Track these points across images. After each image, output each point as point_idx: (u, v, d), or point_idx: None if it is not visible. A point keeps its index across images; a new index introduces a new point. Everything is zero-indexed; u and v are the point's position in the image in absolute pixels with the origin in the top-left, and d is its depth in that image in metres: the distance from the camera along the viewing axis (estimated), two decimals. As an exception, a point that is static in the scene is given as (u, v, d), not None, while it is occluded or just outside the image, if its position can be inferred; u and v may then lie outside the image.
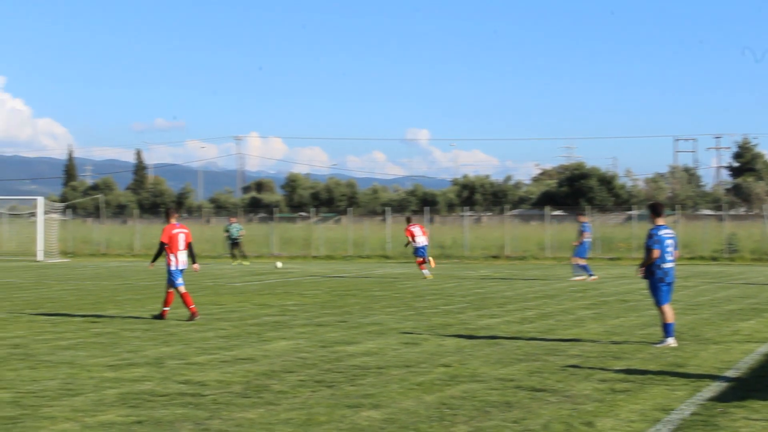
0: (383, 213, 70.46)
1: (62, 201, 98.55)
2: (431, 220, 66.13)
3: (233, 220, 50.54)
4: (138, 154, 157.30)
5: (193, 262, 21.27)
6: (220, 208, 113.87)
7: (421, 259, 36.86)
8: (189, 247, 21.07)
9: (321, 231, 62.39)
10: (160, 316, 20.76)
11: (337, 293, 28.27)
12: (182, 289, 20.77)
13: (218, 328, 18.75)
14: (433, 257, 41.60)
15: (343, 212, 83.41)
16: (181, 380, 12.64)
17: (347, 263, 51.59)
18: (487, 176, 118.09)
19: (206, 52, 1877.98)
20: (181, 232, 20.94)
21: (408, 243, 37.20)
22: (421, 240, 36.76)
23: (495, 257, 54.34)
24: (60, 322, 20.04)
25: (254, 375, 13.08)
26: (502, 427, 10.07)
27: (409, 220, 38.40)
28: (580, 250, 34.30)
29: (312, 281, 34.54)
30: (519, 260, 52.33)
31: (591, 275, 34.03)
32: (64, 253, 56.77)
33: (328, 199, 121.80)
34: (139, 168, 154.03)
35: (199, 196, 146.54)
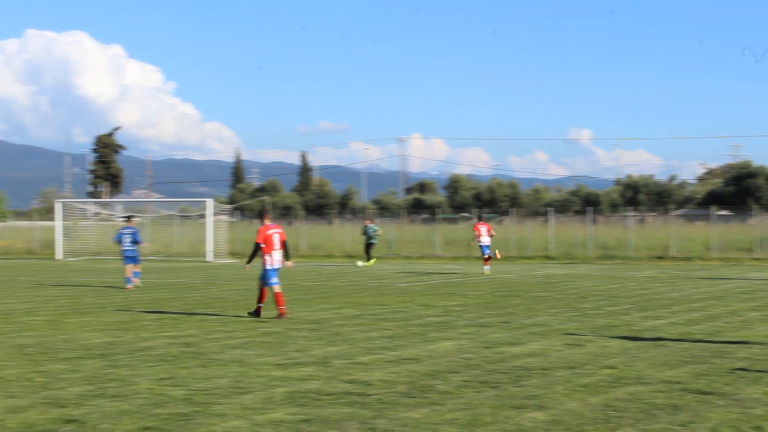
0: (546, 213, 69.91)
1: (230, 203, 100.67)
2: (594, 221, 65.31)
3: (369, 221, 50.58)
4: (303, 156, 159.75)
5: (287, 259, 21.68)
6: (383, 209, 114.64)
7: (486, 257, 40.13)
8: (284, 246, 21.51)
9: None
10: (256, 313, 21.30)
11: (500, 294, 28.23)
12: (276, 288, 21.26)
13: (383, 329, 18.94)
14: (597, 257, 42.06)
15: (506, 213, 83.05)
16: (347, 379, 12.82)
17: (510, 264, 51.38)
18: (651, 176, 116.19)
19: (370, 57, 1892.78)
20: (275, 232, 21.42)
21: (474, 239, 40.78)
22: (486, 240, 40.17)
23: (659, 258, 53.39)
24: (229, 321, 20.53)
25: (419, 375, 13.19)
26: (669, 431, 9.95)
27: (480, 218, 42.77)
28: None
29: (475, 282, 34.55)
30: (684, 261, 51.30)
31: None
32: (233, 254, 57.96)
33: (491, 200, 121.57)
34: (304, 170, 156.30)
35: (362, 198, 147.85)
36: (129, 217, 35.63)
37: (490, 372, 13.43)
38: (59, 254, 59.05)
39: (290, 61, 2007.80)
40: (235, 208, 77.58)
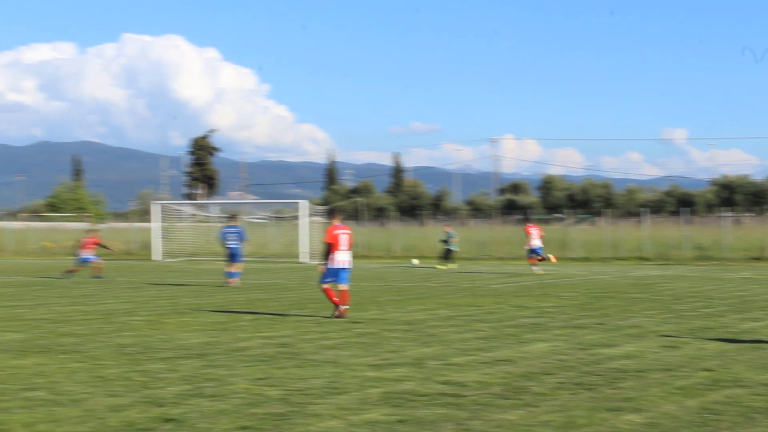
0: (639, 214, 69.20)
1: (324, 204, 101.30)
2: (689, 222, 64.49)
3: (448, 228, 50.31)
4: (396, 157, 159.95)
5: None
6: (476, 210, 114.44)
7: (535, 258, 41.98)
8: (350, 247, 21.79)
9: (577, 232, 61.89)
10: (339, 314, 21.35)
11: (595, 295, 28.04)
12: (326, 286, 21.48)
13: (477, 330, 18.94)
14: (692, 258, 42.08)
15: (599, 213, 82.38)
16: (441, 380, 12.85)
17: (604, 265, 51.00)
18: (747, 176, 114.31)
19: (460, 55, 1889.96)
20: (343, 233, 21.60)
21: (526, 240, 42.32)
22: (537, 242, 41.90)
23: (756, 259, 52.56)
24: (324, 322, 20.66)
25: (513, 376, 13.17)
26: (768, 434, 9.84)
27: (528, 220, 44.47)
28: None
29: (569, 283, 34.36)
30: (783, 262, 50.46)
31: None
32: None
33: (584, 201, 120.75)
34: (397, 171, 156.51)
35: (455, 199, 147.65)
36: (233, 216, 36.23)
37: (585, 374, 13.37)
38: (156, 255, 59.91)
39: (383, 63, 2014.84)
40: (329, 209, 78.01)
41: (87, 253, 39.43)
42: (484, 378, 13.03)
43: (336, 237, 21.53)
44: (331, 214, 22.29)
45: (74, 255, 40.98)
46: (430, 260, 54.35)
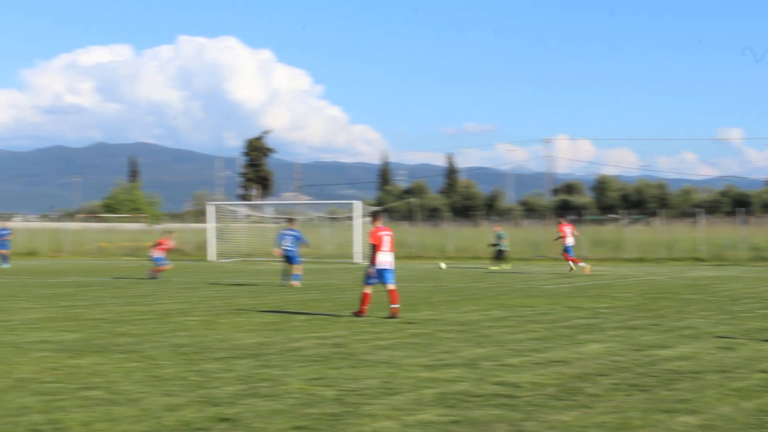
0: (695, 215, 68.64)
1: (377, 204, 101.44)
2: (745, 222, 63.89)
3: (498, 228, 50.18)
4: (449, 158, 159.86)
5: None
6: (529, 210, 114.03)
7: (573, 258, 42.60)
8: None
9: (631, 233, 61.52)
10: (392, 315, 21.55)
11: (649, 296, 27.88)
12: (367, 289, 21.90)
13: (531, 331, 18.90)
14: (748, 259, 42.03)
15: (654, 214, 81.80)
16: (495, 381, 12.84)
17: (658, 266, 50.67)
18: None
19: (514, 55, 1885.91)
20: (386, 234, 21.98)
21: (557, 239, 43.22)
22: (571, 240, 42.69)
23: (815, 259, 51.99)
24: (378, 322, 20.70)
25: (567, 377, 13.14)
26: (826, 437, 9.74)
27: (562, 220, 45.15)
28: None
29: (623, 284, 34.18)
30: (843, 262, 49.85)
31: None
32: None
33: (638, 201, 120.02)
34: (451, 172, 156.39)
35: (508, 199, 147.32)
36: (291, 219, 36.57)
37: (639, 375, 13.30)
38: (211, 256, 60.26)
39: (436, 63, 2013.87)
40: (383, 210, 78.09)
41: (158, 254, 39.66)
42: (538, 379, 13.01)
43: (380, 238, 21.87)
44: (374, 216, 22.71)
45: (149, 256, 41.22)
46: (483, 261, 54.28)
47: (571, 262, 42.19)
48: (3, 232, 53.24)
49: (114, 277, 40.22)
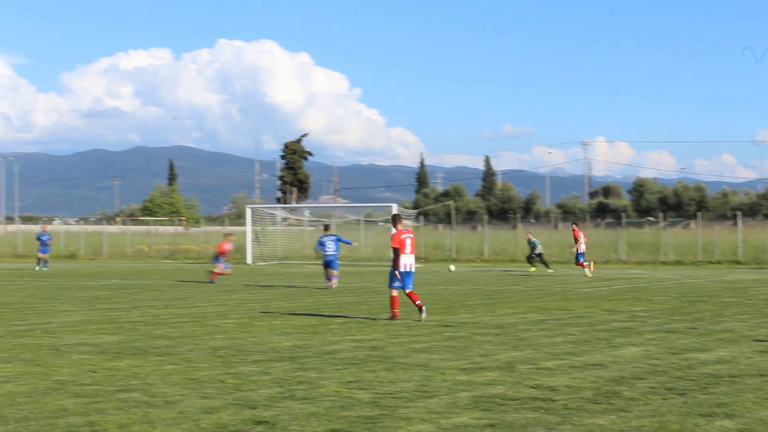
0: (734, 217, 68.21)
1: (415, 207, 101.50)
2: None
3: (530, 235, 50.09)
4: (487, 160, 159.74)
5: None
6: (567, 213, 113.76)
7: (582, 263, 42.22)
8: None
9: (669, 236, 61.17)
10: (420, 309, 21.90)
11: (687, 299, 27.73)
12: (394, 292, 22.02)
13: (567, 334, 18.84)
14: None
15: (692, 216, 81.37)
16: (531, 384, 12.81)
17: (696, 269, 50.39)
18: None
19: (550, 57, 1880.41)
20: (408, 237, 22.28)
21: (575, 246, 42.53)
22: (583, 247, 42.60)
23: None
24: (414, 325, 20.70)
25: (604, 381, 13.08)
26: None
27: (576, 224, 45.03)
28: None
29: (661, 287, 34.02)
30: None
31: None
32: (417, 258, 58.31)
33: (676, 204, 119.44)
34: (488, 174, 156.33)
35: (546, 202, 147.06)
36: (327, 226, 36.94)
37: (677, 379, 13.23)
38: (249, 259, 60.44)
39: (473, 65, 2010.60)
40: (419, 213, 78.08)
41: (221, 257, 39.62)
42: (574, 382, 12.97)
43: (403, 241, 22.11)
44: (394, 220, 22.87)
45: (212, 260, 41.12)
46: (519, 264, 54.18)
47: (586, 270, 41.80)
48: (44, 237, 53.76)
49: (152, 279, 40.40)
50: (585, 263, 42.01)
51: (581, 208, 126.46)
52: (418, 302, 21.89)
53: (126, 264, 61.77)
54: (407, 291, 22.03)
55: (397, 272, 21.96)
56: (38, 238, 54.03)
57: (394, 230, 22.37)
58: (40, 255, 53.43)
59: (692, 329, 19.59)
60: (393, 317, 21.93)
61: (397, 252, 21.95)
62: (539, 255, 47.65)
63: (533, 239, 48.46)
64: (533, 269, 47.07)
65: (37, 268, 52.67)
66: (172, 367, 14.52)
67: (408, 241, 22.19)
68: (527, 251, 49.08)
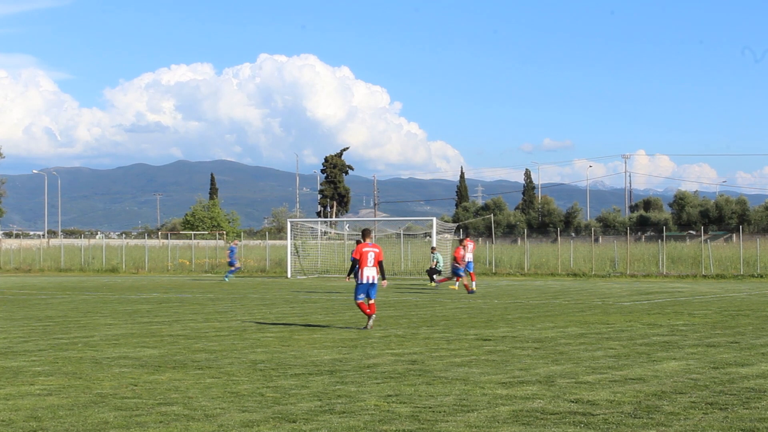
0: (778, 230, 67.61)
1: (454, 221, 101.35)
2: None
3: (435, 249, 50.15)
4: (527, 174, 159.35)
5: (383, 278, 24.12)
6: (607, 227, 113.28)
7: (459, 276, 41.33)
8: (379, 264, 23.51)
9: (710, 249, 60.77)
10: (369, 317, 23.39)
11: (729, 313, 27.54)
12: (359, 302, 23.36)
13: (607, 348, 18.77)
14: None
15: (734, 229, 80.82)
16: (571, 399, 12.78)
17: (738, 282, 50.01)
18: None
19: (594, 74, 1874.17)
20: (371, 251, 23.37)
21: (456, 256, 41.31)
22: (470, 256, 41.35)
23: None
24: (454, 339, 20.70)
25: (644, 395, 13.03)
26: None
27: (464, 236, 45.37)
28: None
29: (702, 301, 33.80)
30: None
31: None
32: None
33: (718, 217, 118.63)
34: (528, 188, 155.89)
35: (586, 215, 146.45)
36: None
37: (718, 393, 13.16)
38: (289, 272, 60.61)
39: (514, 79, 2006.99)
40: (459, 227, 77.97)
41: (459, 265, 40.68)
42: (614, 396, 12.93)
43: (365, 254, 23.32)
44: (363, 234, 23.95)
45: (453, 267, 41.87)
46: (559, 278, 53.99)
47: (456, 283, 42.09)
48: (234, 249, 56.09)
49: (193, 293, 40.59)
50: (462, 276, 41.23)
51: (622, 221, 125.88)
52: (371, 312, 23.29)
53: (167, 278, 62.07)
54: (371, 301, 23.30)
55: (347, 278, 24.76)
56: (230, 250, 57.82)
57: (361, 242, 23.62)
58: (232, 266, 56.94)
59: (734, 343, 19.46)
60: (368, 315, 23.30)
61: (355, 262, 23.44)
62: (438, 271, 47.78)
63: (437, 254, 48.62)
64: (432, 284, 46.83)
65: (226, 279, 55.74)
66: (212, 381, 14.60)
67: (370, 255, 23.33)
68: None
